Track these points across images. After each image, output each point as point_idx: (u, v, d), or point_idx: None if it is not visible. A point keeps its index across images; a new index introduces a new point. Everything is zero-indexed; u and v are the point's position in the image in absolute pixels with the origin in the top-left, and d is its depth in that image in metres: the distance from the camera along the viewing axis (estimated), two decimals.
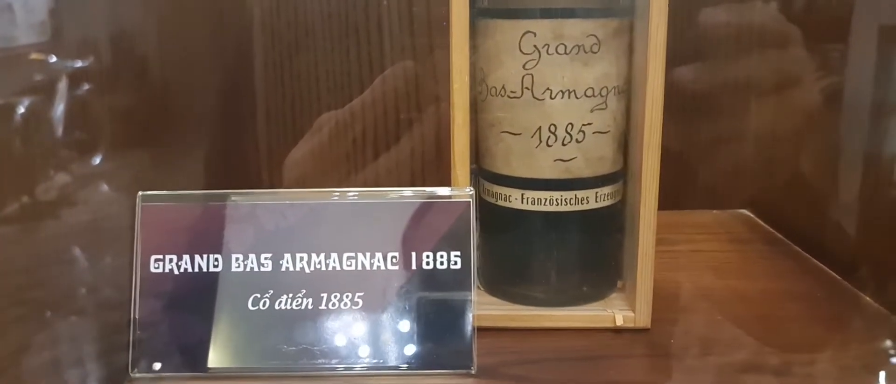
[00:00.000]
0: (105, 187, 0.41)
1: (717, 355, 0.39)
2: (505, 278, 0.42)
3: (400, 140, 0.59)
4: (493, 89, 0.39)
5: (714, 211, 0.63)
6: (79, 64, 0.39)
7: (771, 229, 0.58)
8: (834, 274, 0.48)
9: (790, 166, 0.56)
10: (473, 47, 0.39)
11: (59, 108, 0.38)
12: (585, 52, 0.38)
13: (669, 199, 0.59)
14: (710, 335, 0.41)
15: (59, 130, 0.38)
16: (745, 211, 0.62)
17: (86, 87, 0.39)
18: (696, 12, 0.58)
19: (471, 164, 0.40)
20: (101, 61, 0.42)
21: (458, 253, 0.36)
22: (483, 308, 0.40)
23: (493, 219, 0.41)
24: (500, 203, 0.40)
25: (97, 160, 0.40)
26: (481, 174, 0.42)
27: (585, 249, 0.41)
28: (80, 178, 0.39)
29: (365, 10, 0.58)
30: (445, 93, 0.55)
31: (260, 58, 0.60)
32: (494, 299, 0.42)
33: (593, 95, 0.38)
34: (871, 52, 0.45)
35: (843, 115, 0.49)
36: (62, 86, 0.38)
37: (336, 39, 0.59)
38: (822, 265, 0.50)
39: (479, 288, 0.42)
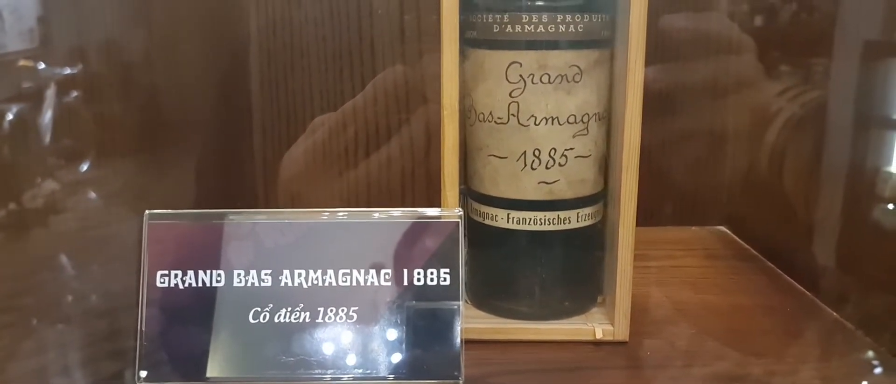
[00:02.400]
0: (106, 200, 0.43)
1: (691, 367, 0.41)
2: (491, 293, 0.44)
3: (390, 140, 0.61)
4: (481, 115, 0.42)
5: (693, 227, 0.65)
6: (66, 71, 0.41)
7: (746, 246, 0.60)
8: (805, 291, 0.50)
9: (766, 184, 0.59)
10: (462, 75, 0.41)
11: (47, 116, 0.40)
12: (568, 81, 0.40)
13: (650, 216, 0.61)
14: (685, 348, 0.43)
15: (58, 140, 0.40)
16: (722, 228, 0.65)
17: (74, 94, 0.41)
18: (673, 32, 0.60)
19: (460, 184, 0.42)
20: (105, 79, 0.44)
21: (447, 270, 0.39)
22: (470, 321, 0.43)
23: (481, 237, 0.43)
24: (487, 222, 0.43)
25: (90, 169, 0.42)
26: (469, 194, 0.44)
27: (567, 266, 0.43)
28: (71, 185, 0.41)
29: (358, 32, 0.61)
30: (433, 103, 0.58)
31: (256, 77, 0.62)
32: (481, 313, 0.44)
33: (575, 122, 0.41)
34: (853, 68, 0.47)
35: (824, 132, 0.51)
36: (50, 92, 0.40)
37: (330, 60, 0.61)
38: (793, 282, 0.52)
39: (466, 302, 0.45)
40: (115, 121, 0.46)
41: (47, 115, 0.40)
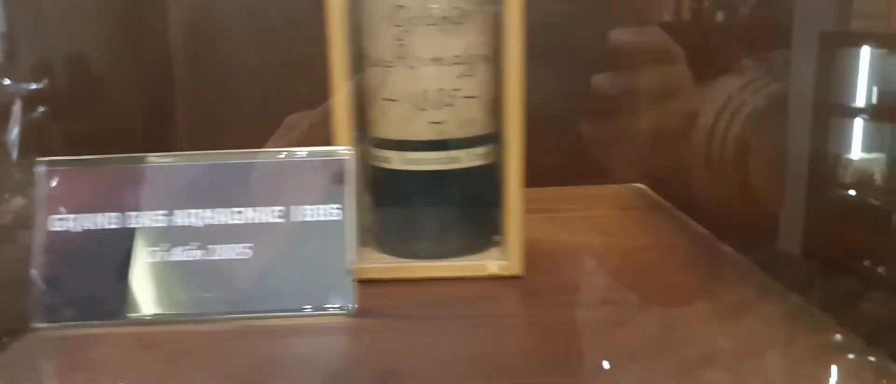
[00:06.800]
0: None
1: (578, 294, 0.42)
2: (392, 235, 0.46)
3: None
4: (372, 59, 0.43)
5: (613, 185, 0.67)
6: None
7: (661, 199, 0.62)
8: (708, 232, 0.52)
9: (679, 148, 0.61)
10: (353, 22, 0.43)
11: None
12: (452, 23, 0.42)
13: (571, 175, 0.63)
14: (577, 280, 0.45)
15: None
16: (640, 185, 0.66)
17: None
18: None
19: (359, 131, 0.44)
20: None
21: (338, 205, 0.40)
22: (372, 262, 0.44)
23: (379, 181, 0.45)
24: (383, 165, 0.44)
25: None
26: (367, 140, 0.45)
27: (463, 206, 0.45)
28: None
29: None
30: None
31: (179, 50, 0.63)
32: (384, 255, 0.46)
33: (461, 62, 0.42)
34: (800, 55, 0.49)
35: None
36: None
37: (254, 32, 0.63)
38: (699, 226, 0.54)
39: (371, 246, 0.46)
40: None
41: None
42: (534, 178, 0.62)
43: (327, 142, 0.64)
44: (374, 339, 0.38)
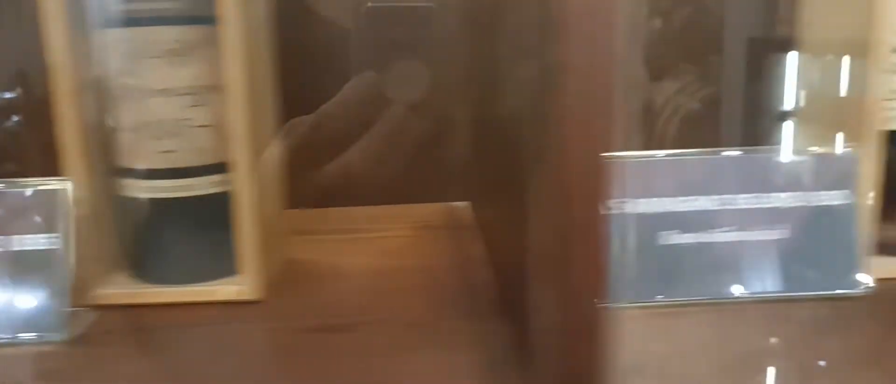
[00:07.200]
0: None
1: (312, 319, 0.43)
2: (134, 261, 0.47)
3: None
4: (108, 91, 0.44)
5: (437, 204, 0.67)
6: None
7: (473, 218, 0.63)
8: (486, 255, 0.53)
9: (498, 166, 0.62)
10: (99, 54, 0.44)
11: None
12: (177, 56, 0.43)
13: (399, 194, 0.64)
14: (320, 304, 0.45)
15: None
16: (462, 203, 0.67)
17: None
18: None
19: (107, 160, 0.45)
20: None
21: (55, 235, 0.41)
22: (113, 287, 0.45)
23: (121, 208, 0.46)
24: (124, 193, 0.45)
25: None
26: (112, 170, 0.46)
27: (204, 232, 0.46)
28: None
29: None
30: None
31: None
32: (132, 280, 0.46)
33: (190, 93, 0.43)
34: None
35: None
36: None
37: None
38: (480, 248, 0.55)
39: (124, 272, 0.47)
40: None
41: None
42: (355, 196, 0.63)
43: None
44: (81, 367, 0.39)
